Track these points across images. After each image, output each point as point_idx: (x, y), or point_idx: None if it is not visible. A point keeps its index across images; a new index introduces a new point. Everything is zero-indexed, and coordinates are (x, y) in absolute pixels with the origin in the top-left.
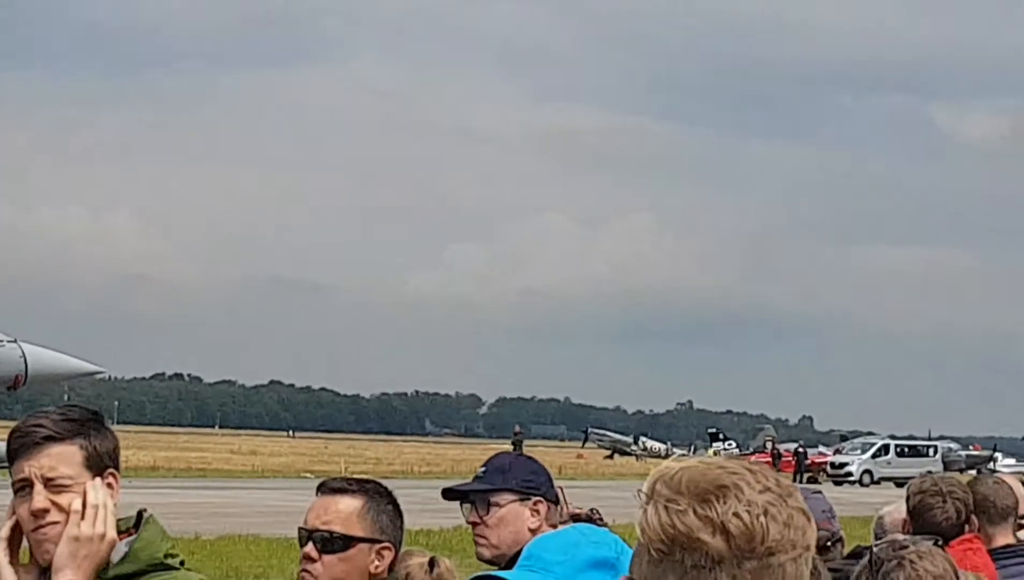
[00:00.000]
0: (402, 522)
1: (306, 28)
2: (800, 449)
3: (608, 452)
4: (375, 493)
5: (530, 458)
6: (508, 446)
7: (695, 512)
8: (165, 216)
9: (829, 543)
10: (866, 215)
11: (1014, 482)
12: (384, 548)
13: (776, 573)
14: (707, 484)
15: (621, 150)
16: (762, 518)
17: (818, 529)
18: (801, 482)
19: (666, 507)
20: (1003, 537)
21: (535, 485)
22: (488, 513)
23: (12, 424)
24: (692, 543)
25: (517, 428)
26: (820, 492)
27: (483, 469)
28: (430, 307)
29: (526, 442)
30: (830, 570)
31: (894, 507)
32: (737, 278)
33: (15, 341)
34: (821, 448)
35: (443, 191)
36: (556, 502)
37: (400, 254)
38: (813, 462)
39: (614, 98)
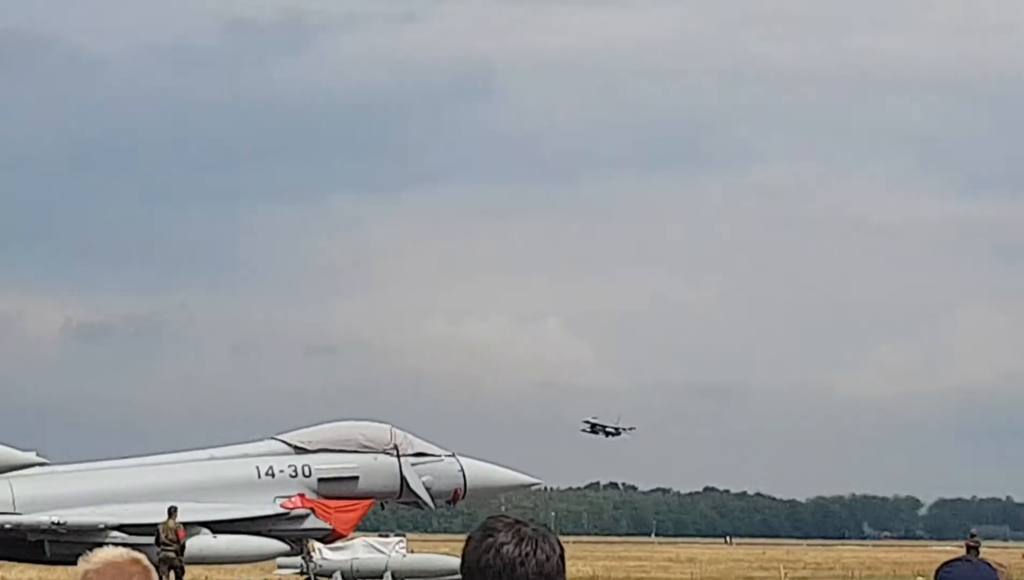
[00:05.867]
0: None
1: (709, 132)
2: None
3: None
4: None
5: (988, 564)
6: (956, 548)
7: None
8: (588, 323)
9: None
10: None
11: None
12: None
13: None
14: None
15: None
16: None
17: None
18: None
19: None
20: None
21: None
22: None
23: (451, 538)
24: None
25: (973, 531)
26: None
27: None
28: (862, 408)
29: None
30: None
31: None
32: None
33: (453, 455)
34: None
35: (863, 288)
36: None
37: (825, 354)
38: None
39: None
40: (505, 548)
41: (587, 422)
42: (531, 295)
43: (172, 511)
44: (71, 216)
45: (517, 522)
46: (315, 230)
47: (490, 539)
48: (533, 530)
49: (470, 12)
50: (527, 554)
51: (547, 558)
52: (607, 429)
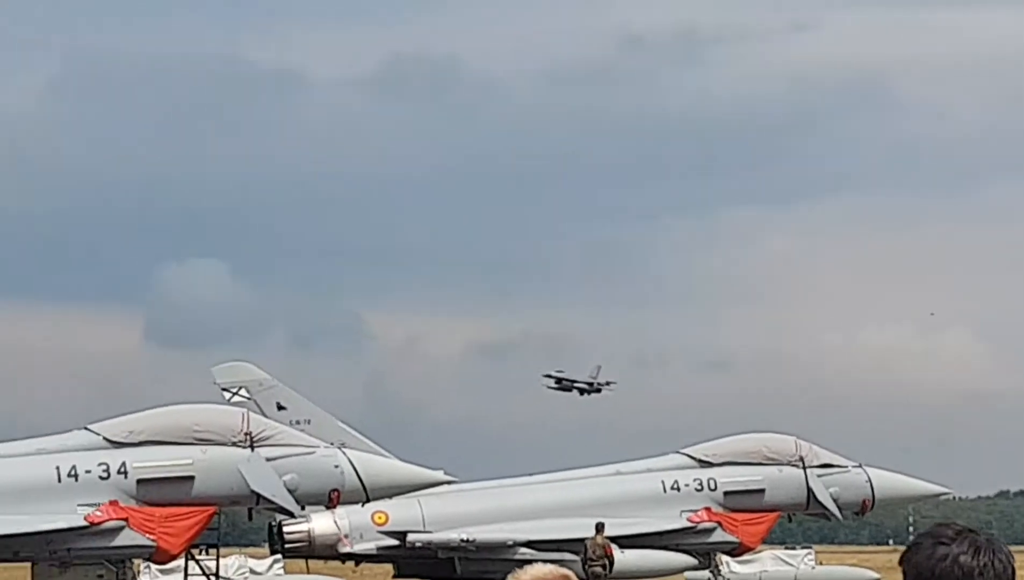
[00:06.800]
0: None
1: None
2: None
3: None
4: None
5: None
6: None
7: None
8: (991, 329)
9: None
10: None
11: None
12: None
13: None
14: None
15: None
16: None
17: None
18: None
19: None
20: None
21: None
22: None
23: (859, 550)
24: None
25: None
26: None
27: None
28: None
29: None
30: None
31: None
32: None
33: (860, 466)
34: None
35: None
36: None
37: None
38: None
39: None
40: (963, 558)
41: (549, 376)
42: (931, 302)
43: (600, 527)
44: (468, 237)
45: (968, 530)
46: (710, 244)
47: (944, 548)
48: (986, 539)
49: (861, 19)
50: (985, 564)
51: (1004, 568)
52: (578, 384)
